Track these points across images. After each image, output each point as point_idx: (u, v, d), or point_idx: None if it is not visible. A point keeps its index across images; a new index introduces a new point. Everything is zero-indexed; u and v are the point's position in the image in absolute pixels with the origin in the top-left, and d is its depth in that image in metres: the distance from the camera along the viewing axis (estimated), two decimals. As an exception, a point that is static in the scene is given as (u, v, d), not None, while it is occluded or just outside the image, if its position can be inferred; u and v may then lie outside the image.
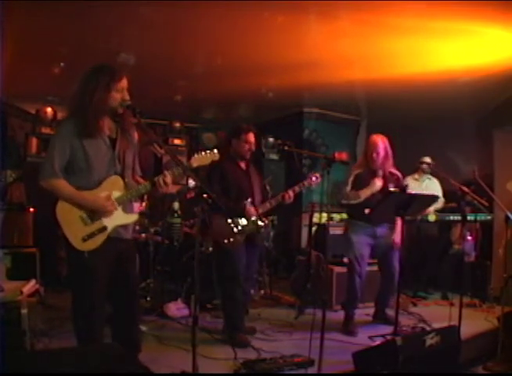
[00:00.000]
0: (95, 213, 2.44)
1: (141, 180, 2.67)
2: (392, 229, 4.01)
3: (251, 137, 3.77)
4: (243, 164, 3.85)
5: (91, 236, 2.42)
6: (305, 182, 3.87)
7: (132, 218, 2.61)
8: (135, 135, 2.68)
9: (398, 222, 4.08)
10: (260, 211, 3.72)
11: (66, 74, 4.97)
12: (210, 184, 3.66)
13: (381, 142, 4.02)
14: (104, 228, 2.45)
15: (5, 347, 2.48)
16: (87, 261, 2.40)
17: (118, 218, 2.51)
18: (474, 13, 3.57)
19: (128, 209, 2.57)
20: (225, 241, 3.55)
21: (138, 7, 3.60)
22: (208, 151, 2.65)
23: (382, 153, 4.00)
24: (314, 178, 3.89)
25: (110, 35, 4.16)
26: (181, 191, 5.60)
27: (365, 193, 3.88)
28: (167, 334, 3.75)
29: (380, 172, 4.02)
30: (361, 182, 3.97)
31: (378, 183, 3.90)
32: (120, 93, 2.46)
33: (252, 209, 3.66)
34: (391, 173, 4.11)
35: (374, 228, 3.97)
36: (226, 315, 3.68)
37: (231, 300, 3.63)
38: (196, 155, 2.63)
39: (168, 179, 2.52)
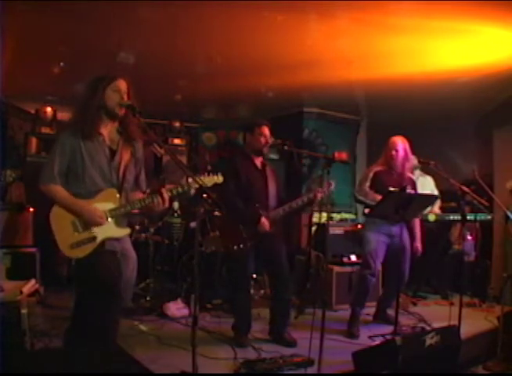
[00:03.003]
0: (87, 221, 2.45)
1: (141, 196, 2.63)
2: (407, 231, 3.99)
3: (266, 130, 3.65)
4: (258, 163, 3.72)
5: (79, 244, 2.40)
6: (325, 190, 3.55)
7: (124, 232, 2.59)
8: (141, 148, 2.66)
9: (417, 226, 4.11)
10: (272, 218, 3.56)
11: (66, 73, 4.97)
12: (225, 184, 3.60)
13: (401, 142, 4.06)
14: (94, 238, 2.43)
15: (5, 347, 2.47)
16: (75, 268, 2.45)
17: (109, 231, 2.48)
18: (473, 12, 3.56)
19: (120, 223, 2.55)
20: (235, 248, 3.48)
21: (138, 7, 3.60)
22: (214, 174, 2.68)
23: (402, 152, 4.03)
24: (327, 186, 3.56)
25: (110, 35, 4.15)
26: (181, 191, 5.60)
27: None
28: (167, 334, 3.75)
29: (400, 174, 4.02)
30: (380, 181, 3.96)
31: None
32: (116, 93, 2.47)
33: (266, 222, 3.51)
34: (409, 178, 4.13)
35: (390, 226, 3.91)
36: (234, 315, 3.74)
37: (236, 302, 3.69)
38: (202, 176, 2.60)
39: (165, 199, 2.49)
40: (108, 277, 2.42)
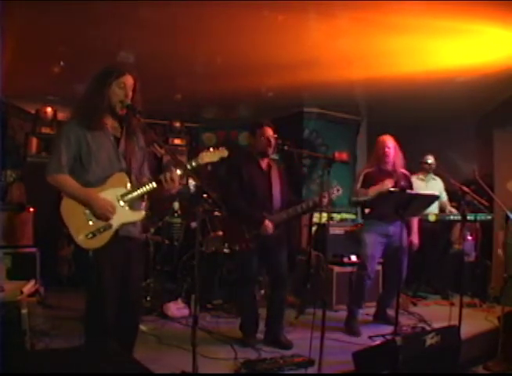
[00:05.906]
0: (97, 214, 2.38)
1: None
2: (404, 228, 3.96)
3: (268, 131, 3.56)
4: (263, 164, 3.64)
5: (95, 233, 2.35)
6: (332, 195, 3.52)
7: (139, 215, 2.52)
8: (142, 138, 2.64)
9: (415, 221, 4.13)
10: (276, 221, 3.48)
11: (66, 73, 4.97)
12: (228, 185, 3.58)
13: (391, 141, 4.11)
14: (109, 225, 2.37)
15: (5, 347, 2.47)
16: (93, 260, 2.33)
17: (124, 216, 2.42)
18: (474, 12, 3.57)
19: (134, 207, 2.49)
20: (237, 248, 3.47)
21: (138, 7, 3.61)
22: (217, 148, 2.60)
23: (392, 151, 4.07)
24: (336, 191, 3.57)
25: (110, 35, 4.15)
26: (181, 191, 5.61)
27: (373, 191, 3.87)
28: (167, 334, 3.75)
29: (392, 171, 4.04)
30: (370, 181, 3.99)
31: (388, 184, 3.87)
32: (122, 89, 2.45)
33: (269, 225, 3.44)
34: (402, 173, 4.15)
35: (388, 226, 3.92)
36: (240, 316, 3.75)
37: (239, 302, 3.75)
38: (205, 152, 2.56)
39: (175, 176, 2.45)
40: (122, 265, 2.42)
